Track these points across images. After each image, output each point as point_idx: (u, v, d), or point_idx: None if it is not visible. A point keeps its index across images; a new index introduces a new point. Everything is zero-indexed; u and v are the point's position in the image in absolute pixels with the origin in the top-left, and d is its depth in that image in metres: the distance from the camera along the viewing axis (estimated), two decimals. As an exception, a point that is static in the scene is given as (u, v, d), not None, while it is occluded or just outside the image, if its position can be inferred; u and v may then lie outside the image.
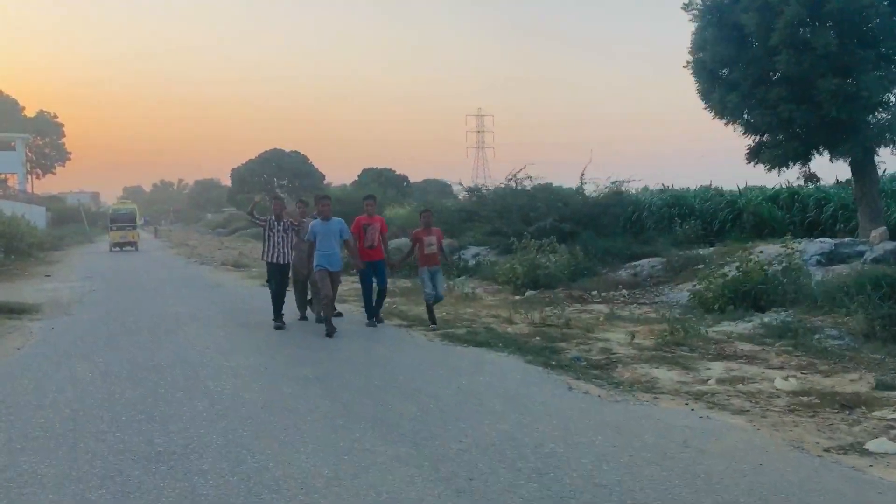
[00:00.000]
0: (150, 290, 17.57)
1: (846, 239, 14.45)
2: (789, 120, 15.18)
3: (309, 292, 11.53)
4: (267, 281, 11.10)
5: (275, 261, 10.90)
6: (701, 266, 15.23)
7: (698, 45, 16.57)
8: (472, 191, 26.06)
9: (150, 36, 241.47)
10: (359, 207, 12.34)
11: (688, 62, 17.16)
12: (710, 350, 8.47)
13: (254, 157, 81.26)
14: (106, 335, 10.48)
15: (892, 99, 14.75)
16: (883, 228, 14.35)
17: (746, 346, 8.63)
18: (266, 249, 10.94)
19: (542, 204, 21.17)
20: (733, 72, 15.89)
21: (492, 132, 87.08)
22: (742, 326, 9.91)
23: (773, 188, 21.57)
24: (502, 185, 26.73)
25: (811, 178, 16.49)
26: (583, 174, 22.35)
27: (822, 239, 14.81)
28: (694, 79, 17.37)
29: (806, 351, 8.28)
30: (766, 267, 11.55)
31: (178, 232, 74.31)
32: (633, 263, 18.12)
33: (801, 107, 14.98)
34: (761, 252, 15.22)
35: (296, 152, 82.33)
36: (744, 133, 16.82)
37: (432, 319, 10.75)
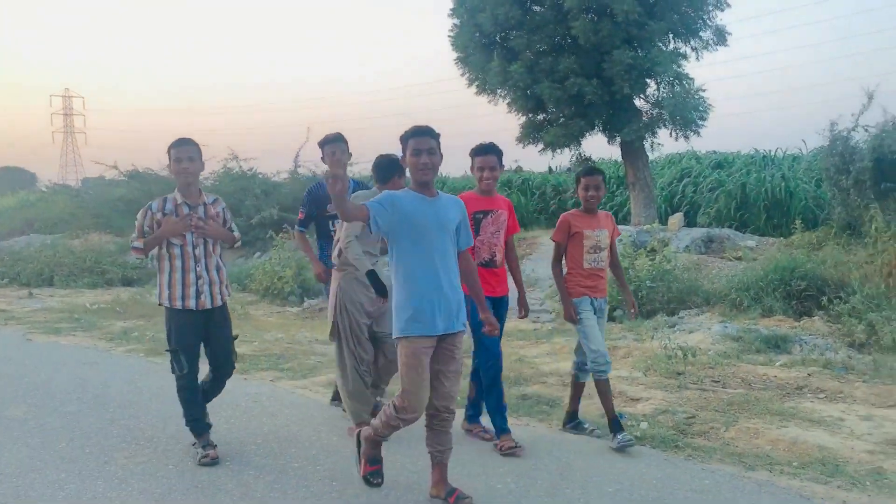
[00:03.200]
0: None
1: (646, 226, 13.36)
2: (578, 95, 13.68)
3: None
4: (169, 350, 4.46)
5: (183, 305, 4.41)
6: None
7: (470, 7, 14.28)
8: (134, 176, 20.92)
9: None
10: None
11: (455, 26, 14.82)
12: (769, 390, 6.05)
13: None
14: None
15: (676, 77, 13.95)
16: (680, 215, 13.60)
17: (779, 373, 6.38)
18: (163, 280, 4.44)
19: (261, 191, 17.25)
20: (515, 38, 13.88)
21: (83, 115, 75.48)
22: (693, 339, 7.68)
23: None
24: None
25: (586, 161, 15.28)
26: (297, 155, 19.00)
27: (623, 226, 13.58)
28: (454, 47, 15.11)
29: (870, 375, 6.27)
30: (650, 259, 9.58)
31: None
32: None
33: (591, 81, 13.56)
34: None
35: None
36: (513, 110, 15.06)
37: (615, 425, 4.57)
